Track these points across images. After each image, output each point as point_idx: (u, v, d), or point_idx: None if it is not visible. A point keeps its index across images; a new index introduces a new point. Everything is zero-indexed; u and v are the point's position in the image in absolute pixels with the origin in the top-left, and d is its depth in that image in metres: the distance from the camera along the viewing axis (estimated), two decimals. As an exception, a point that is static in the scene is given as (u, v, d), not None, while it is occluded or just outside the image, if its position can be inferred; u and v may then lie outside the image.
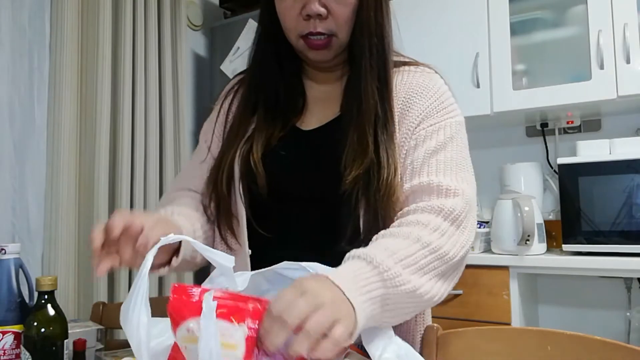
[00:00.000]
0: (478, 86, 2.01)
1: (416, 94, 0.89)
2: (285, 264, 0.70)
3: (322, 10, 0.83)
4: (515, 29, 2.00)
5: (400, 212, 0.81)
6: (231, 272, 0.65)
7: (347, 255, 0.70)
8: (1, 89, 1.79)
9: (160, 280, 2.14)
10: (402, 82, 0.90)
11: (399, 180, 0.82)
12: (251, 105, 0.94)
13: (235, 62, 2.40)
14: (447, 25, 2.09)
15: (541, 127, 2.19)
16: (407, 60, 0.95)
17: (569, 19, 1.96)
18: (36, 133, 1.87)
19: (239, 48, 2.40)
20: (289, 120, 0.92)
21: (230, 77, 2.47)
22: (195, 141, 2.60)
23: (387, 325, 0.69)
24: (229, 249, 0.91)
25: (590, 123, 2.13)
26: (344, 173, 0.81)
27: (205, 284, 0.66)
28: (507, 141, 2.27)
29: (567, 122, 2.13)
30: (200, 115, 2.60)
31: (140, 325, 0.56)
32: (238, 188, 0.89)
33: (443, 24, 2.09)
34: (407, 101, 0.88)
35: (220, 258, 0.64)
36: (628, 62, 1.75)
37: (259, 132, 0.90)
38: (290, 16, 0.86)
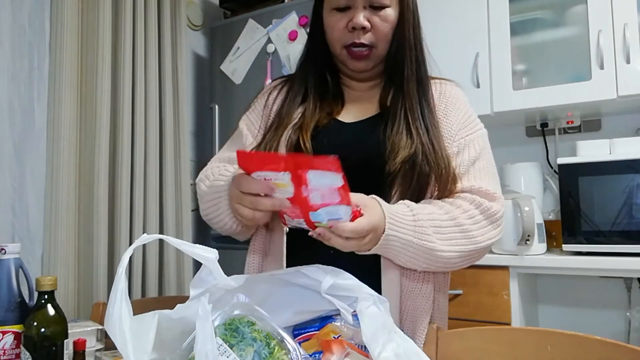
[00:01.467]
0: (478, 86, 2.01)
1: (452, 104, 1.03)
2: (284, 270, 0.70)
3: (367, 23, 0.97)
4: (515, 29, 2.00)
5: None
6: (217, 265, 0.65)
7: (400, 201, 0.89)
8: (1, 89, 1.79)
9: (160, 280, 2.14)
10: (437, 92, 1.04)
11: (453, 168, 0.95)
12: (301, 94, 1.06)
13: (235, 62, 2.40)
14: (447, 25, 2.09)
15: (541, 127, 2.19)
16: (433, 75, 1.08)
17: (569, 19, 1.96)
18: (36, 133, 1.87)
19: (239, 48, 2.40)
20: (332, 112, 1.04)
21: (231, 77, 2.49)
22: (196, 141, 2.61)
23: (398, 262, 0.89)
24: (267, 228, 1.03)
25: (590, 123, 2.13)
26: (389, 156, 0.93)
27: (194, 284, 0.66)
28: (507, 141, 2.27)
29: (567, 122, 2.13)
30: (200, 115, 2.60)
31: (123, 320, 0.56)
32: None
33: (443, 24, 2.09)
34: (446, 109, 1.02)
35: (202, 251, 0.64)
36: (628, 62, 1.75)
37: (308, 118, 1.01)
38: (337, 29, 1.00)
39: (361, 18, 0.96)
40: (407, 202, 0.89)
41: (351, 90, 1.09)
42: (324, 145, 0.97)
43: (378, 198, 0.86)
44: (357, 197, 0.79)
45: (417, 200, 0.92)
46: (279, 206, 0.77)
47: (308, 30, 1.12)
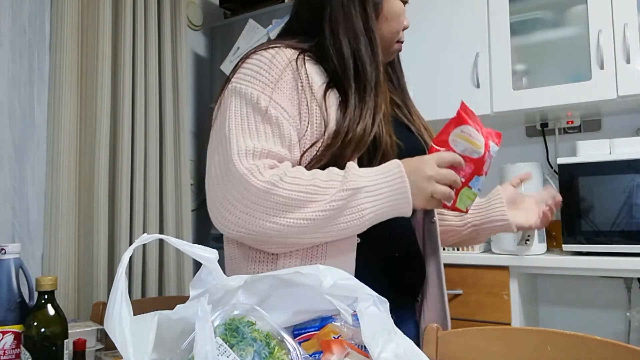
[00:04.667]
0: (478, 86, 2.01)
1: None
2: (284, 270, 0.70)
3: None
4: (515, 29, 2.00)
5: None
6: (217, 265, 0.65)
7: None
8: (1, 89, 1.79)
9: (160, 280, 2.14)
10: None
11: None
12: (373, 83, 0.94)
13: (235, 62, 2.40)
14: (447, 25, 2.09)
15: (541, 127, 2.19)
16: None
17: (569, 19, 1.96)
18: (36, 133, 1.87)
19: (239, 48, 2.40)
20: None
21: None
22: (196, 141, 2.60)
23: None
24: None
25: (590, 123, 2.13)
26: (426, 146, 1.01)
27: (194, 284, 0.66)
28: (507, 141, 2.25)
29: (567, 122, 2.13)
30: (200, 115, 2.59)
31: (123, 320, 0.56)
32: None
33: (443, 24, 2.09)
34: None
35: (202, 251, 0.64)
36: (628, 62, 1.75)
37: (381, 107, 0.94)
38: (401, 23, 1.01)
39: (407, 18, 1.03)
40: None
41: None
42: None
43: None
44: None
45: None
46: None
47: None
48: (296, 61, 0.90)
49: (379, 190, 0.81)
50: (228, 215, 0.82)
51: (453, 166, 0.83)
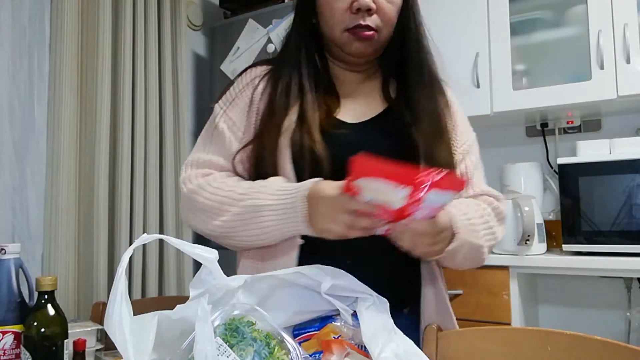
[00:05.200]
0: (478, 86, 2.01)
1: (454, 105, 1.01)
2: (283, 270, 0.70)
3: (373, 5, 0.89)
4: (515, 29, 2.00)
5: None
6: (217, 265, 0.65)
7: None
8: (1, 89, 1.79)
9: (160, 280, 2.14)
10: None
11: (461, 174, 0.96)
12: (295, 85, 0.93)
13: (235, 62, 2.40)
14: (447, 25, 2.08)
15: (541, 127, 2.19)
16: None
17: (569, 19, 1.96)
18: (36, 133, 1.87)
19: (239, 48, 2.40)
20: (330, 110, 0.93)
21: (231, 77, 2.48)
22: (196, 141, 2.60)
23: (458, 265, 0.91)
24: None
25: (590, 123, 2.13)
26: (426, 158, 0.88)
27: (194, 284, 0.66)
28: (507, 141, 2.27)
29: (567, 122, 2.13)
30: (200, 115, 2.59)
31: (123, 320, 0.56)
32: (290, 170, 0.87)
33: (443, 23, 2.09)
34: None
35: (202, 251, 0.64)
36: (628, 62, 1.75)
37: (310, 116, 0.89)
38: (338, 10, 0.90)
39: None
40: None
41: (342, 84, 0.99)
42: (338, 150, 0.85)
43: None
44: None
45: None
46: (375, 228, 0.75)
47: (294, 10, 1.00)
48: (261, 78, 0.97)
49: (283, 210, 0.82)
50: (183, 215, 0.95)
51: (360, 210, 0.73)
